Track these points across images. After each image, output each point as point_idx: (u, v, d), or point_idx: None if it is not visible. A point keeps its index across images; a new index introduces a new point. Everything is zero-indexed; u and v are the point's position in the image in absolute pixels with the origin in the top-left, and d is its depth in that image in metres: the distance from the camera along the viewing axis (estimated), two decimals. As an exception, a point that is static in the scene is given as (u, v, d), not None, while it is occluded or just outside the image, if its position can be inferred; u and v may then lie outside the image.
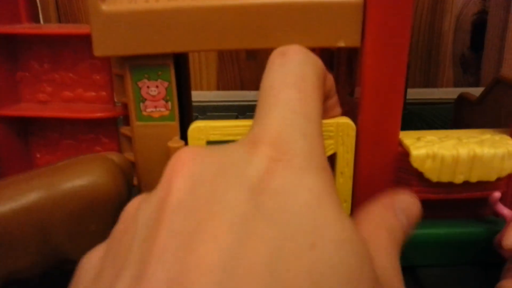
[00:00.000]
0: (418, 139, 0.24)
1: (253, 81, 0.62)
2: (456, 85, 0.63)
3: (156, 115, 0.25)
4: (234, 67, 0.62)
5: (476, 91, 0.61)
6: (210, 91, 0.63)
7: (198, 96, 0.62)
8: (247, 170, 0.12)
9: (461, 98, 0.36)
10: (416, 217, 0.19)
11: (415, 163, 0.23)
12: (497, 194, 0.24)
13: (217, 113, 0.56)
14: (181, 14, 0.22)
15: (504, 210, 0.24)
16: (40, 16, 0.57)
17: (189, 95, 0.30)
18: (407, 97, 0.56)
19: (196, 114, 0.56)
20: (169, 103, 0.25)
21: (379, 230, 0.17)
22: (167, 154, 0.24)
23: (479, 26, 0.60)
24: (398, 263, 0.15)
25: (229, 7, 0.22)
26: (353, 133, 0.23)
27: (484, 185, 0.24)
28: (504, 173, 0.24)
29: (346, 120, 0.23)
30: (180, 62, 0.28)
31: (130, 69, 0.24)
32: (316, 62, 0.16)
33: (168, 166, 0.13)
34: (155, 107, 0.25)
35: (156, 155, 0.25)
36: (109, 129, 0.29)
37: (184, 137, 0.25)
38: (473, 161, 0.23)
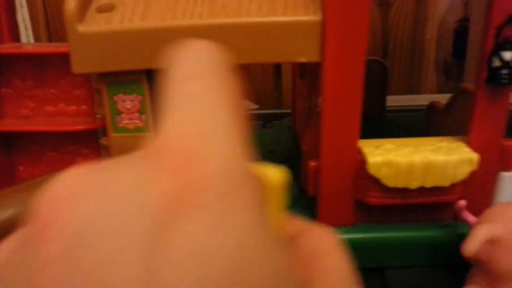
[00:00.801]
0: (377, 147, 0.26)
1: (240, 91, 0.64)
2: (440, 91, 0.64)
3: (131, 126, 0.27)
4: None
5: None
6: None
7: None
8: (144, 213, 0.09)
9: (430, 106, 0.37)
10: None
11: (372, 170, 0.25)
12: (462, 202, 0.25)
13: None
14: (152, 33, 0.24)
15: (469, 217, 0.25)
16: (31, 33, 0.59)
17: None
18: (388, 104, 0.58)
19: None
20: (144, 115, 0.26)
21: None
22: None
23: (461, 33, 0.61)
24: None
25: (197, 26, 0.24)
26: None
27: (439, 191, 0.26)
28: (457, 179, 0.25)
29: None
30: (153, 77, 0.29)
31: (107, 85, 0.26)
32: (219, 53, 0.13)
33: (40, 206, 0.10)
34: (130, 119, 0.26)
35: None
36: (90, 141, 0.30)
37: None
38: (427, 167, 0.24)
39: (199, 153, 0.10)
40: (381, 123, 0.44)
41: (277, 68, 0.63)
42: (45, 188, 0.10)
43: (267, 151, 0.41)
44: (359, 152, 0.26)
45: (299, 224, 0.15)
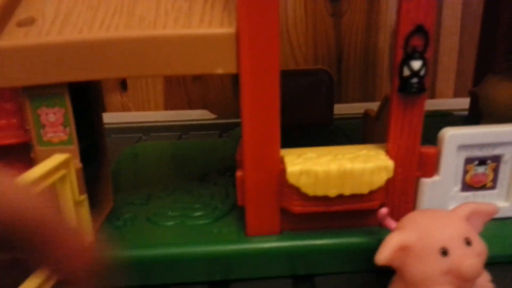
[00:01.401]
0: (299, 156, 0.26)
1: (200, 101, 0.64)
2: (395, 98, 0.65)
3: (55, 140, 0.27)
4: (180, 88, 0.64)
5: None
6: (156, 112, 0.65)
7: (144, 116, 0.63)
8: None
9: (365, 113, 0.38)
10: None
11: (291, 179, 0.25)
12: (383, 210, 0.26)
13: (161, 133, 0.57)
14: (68, 47, 0.24)
15: (392, 224, 0.26)
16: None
17: (99, 118, 0.32)
18: (344, 112, 0.59)
19: (140, 135, 0.57)
20: (68, 128, 0.26)
21: None
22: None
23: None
24: None
25: (112, 39, 0.24)
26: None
27: (359, 198, 0.26)
28: (375, 186, 0.26)
29: None
30: (84, 88, 0.29)
31: (29, 98, 0.26)
32: None
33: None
34: (54, 132, 0.26)
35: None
36: (22, 154, 0.30)
37: (85, 159, 0.27)
38: (344, 175, 0.25)
39: None
40: (327, 131, 0.45)
41: (236, 78, 0.64)
42: None
43: (220, 158, 0.42)
44: (281, 161, 0.26)
45: None
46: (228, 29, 0.24)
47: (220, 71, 0.25)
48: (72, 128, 0.26)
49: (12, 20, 0.26)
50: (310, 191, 0.25)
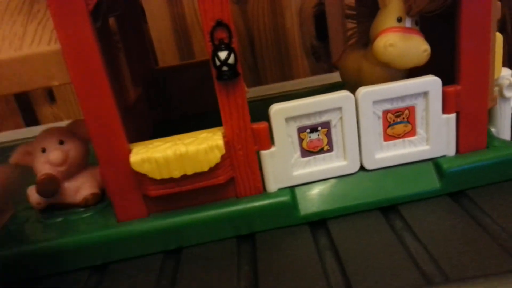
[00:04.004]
0: (146, 146, 0.30)
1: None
2: (313, 74, 0.69)
3: None
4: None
5: (330, 77, 0.67)
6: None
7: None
8: None
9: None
10: None
11: (136, 167, 0.29)
12: None
13: None
14: None
15: None
16: None
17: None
18: (263, 94, 0.62)
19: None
20: None
21: None
22: None
23: (320, 16, 0.66)
24: None
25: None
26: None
27: (204, 175, 0.30)
28: (213, 163, 0.29)
29: None
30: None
31: None
32: None
33: None
34: None
35: None
36: None
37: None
38: (181, 158, 0.29)
39: None
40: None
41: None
42: None
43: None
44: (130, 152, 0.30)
45: None
46: (54, 46, 0.27)
47: (55, 83, 0.28)
48: None
49: None
50: (156, 175, 0.29)
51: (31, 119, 0.70)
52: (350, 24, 0.40)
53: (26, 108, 0.69)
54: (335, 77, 0.57)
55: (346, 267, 0.26)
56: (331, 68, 0.69)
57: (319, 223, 0.32)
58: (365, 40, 0.36)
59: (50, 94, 0.67)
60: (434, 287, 0.22)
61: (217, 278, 0.28)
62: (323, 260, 0.27)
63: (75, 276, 0.31)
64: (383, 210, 0.31)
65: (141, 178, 0.30)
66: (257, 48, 0.66)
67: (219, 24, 0.27)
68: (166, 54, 0.66)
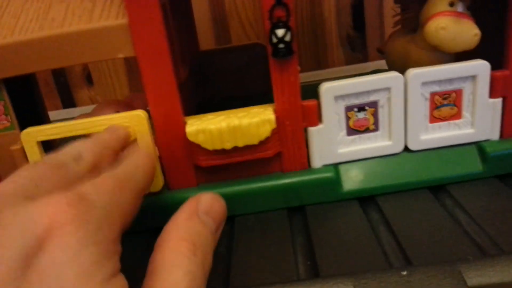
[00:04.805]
0: (199, 119, 0.31)
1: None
2: (348, 63, 0.70)
3: (0, 127, 0.32)
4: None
5: (366, 67, 0.68)
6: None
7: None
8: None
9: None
10: (220, 213, 0.22)
11: (190, 137, 0.30)
12: None
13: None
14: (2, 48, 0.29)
15: None
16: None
17: (42, 108, 0.37)
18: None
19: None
20: (8, 116, 0.32)
21: (180, 241, 0.20)
22: (12, 157, 0.32)
23: (358, 6, 0.67)
24: (198, 267, 0.19)
25: (29, 40, 0.29)
26: (144, 121, 0.30)
27: (253, 148, 0.31)
28: (263, 137, 0.31)
29: (137, 112, 0.30)
30: (22, 82, 0.35)
31: (-25, 94, 0.31)
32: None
33: None
34: (-1, 120, 0.32)
35: (4, 159, 0.32)
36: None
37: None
38: (234, 130, 0.30)
39: None
40: (266, 99, 0.50)
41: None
42: None
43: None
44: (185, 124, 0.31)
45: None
46: (122, 21, 0.29)
47: (121, 55, 0.30)
48: (12, 116, 0.32)
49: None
50: (209, 146, 0.31)
51: (69, 102, 0.72)
52: (390, 14, 0.41)
53: (64, 90, 0.72)
54: (370, 67, 0.57)
55: (402, 241, 0.27)
56: (365, 58, 0.69)
57: (368, 199, 0.33)
58: (411, 26, 0.36)
59: (88, 77, 0.70)
60: (490, 259, 0.23)
61: (274, 249, 0.29)
62: (377, 233, 0.28)
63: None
64: (431, 189, 0.32)
65: (194, 149, 0.31)
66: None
67: (279, 2, 0.28)
68: (203, 42, 0.68)
